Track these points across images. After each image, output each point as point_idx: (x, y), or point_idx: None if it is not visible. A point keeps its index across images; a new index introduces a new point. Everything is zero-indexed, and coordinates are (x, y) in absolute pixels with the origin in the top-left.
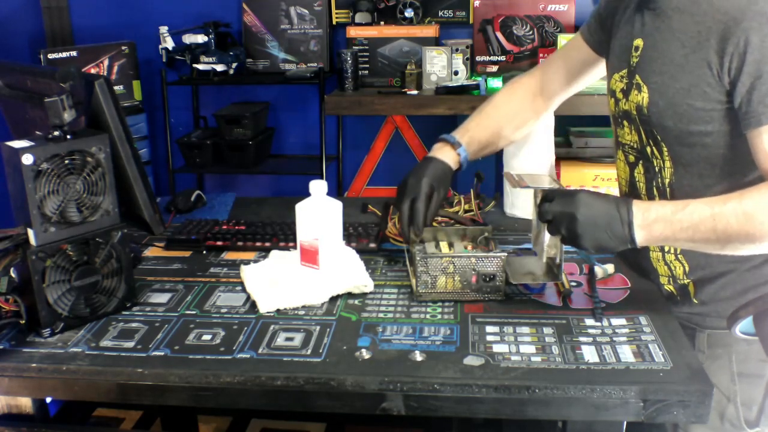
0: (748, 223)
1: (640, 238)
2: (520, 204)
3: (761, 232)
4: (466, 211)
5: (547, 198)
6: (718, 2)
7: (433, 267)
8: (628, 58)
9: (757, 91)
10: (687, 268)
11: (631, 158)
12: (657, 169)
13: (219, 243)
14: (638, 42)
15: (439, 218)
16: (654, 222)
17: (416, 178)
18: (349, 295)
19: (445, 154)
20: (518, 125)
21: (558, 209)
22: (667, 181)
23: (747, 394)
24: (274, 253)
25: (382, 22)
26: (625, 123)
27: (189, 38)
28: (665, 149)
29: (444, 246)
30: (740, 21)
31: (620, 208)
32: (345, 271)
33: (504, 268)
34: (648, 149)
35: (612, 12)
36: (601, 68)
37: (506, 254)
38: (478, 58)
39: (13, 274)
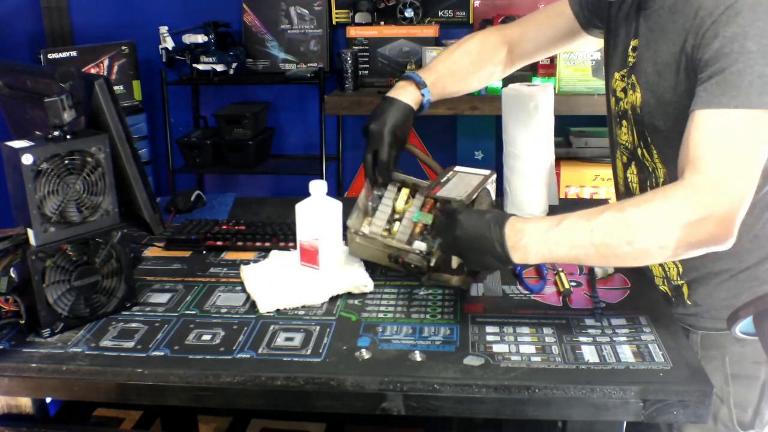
0: (629, 231)
1: (517, 258)
2: (520, 204)
3: (644, 241)
4: None
5: (439, 216)
6: (702, 0)
7: (367, 240)
8: (626, 58)
9: (704, 75)
10: (681, 269)
11: (625, 158)
12: (651, 170)
13: (219, 243)
14: (635, 42)
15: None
16: (528, 242)
17: (379, 126)
18: (349, 295)
19: (408, 94)
20: (484, 77)
21: (443, 230)
22: (661, 180)
23: (740, 395)
24: (274, 253)
25: (382, 22)
26: (624, 123)
27: (189, 38)
28: (655, 151)
29: (404, 194)
30: (712, 13)
31: (493, 230)
32: (345, 271)
33: (426, 261)
34: (639, 151)
35: (607, 2)
36: (580, 42)
37: (425, 252)
38: None
39: (13, 274)
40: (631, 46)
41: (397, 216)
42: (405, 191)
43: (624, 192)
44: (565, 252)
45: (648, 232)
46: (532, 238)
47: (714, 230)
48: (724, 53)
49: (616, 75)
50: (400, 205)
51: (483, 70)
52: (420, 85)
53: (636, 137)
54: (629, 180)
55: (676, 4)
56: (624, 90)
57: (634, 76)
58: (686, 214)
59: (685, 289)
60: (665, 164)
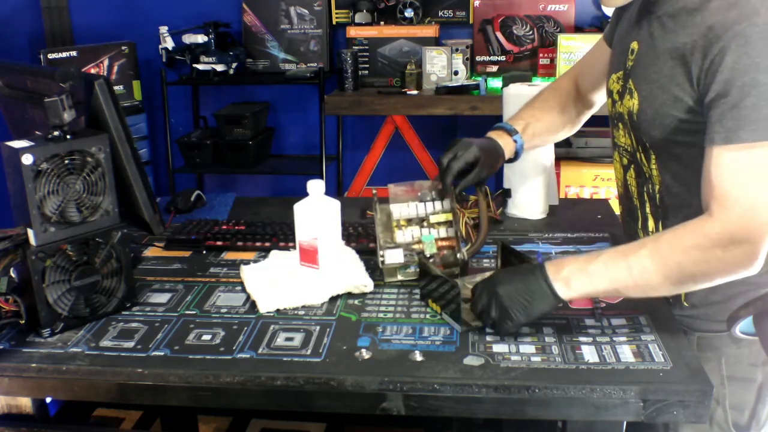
0: (665, 267)
1: (562, 292)
2: (520, 204)
3: (679, 275)
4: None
5: (473, 292)
6: (708, 17)
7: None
8: (625, 60)
9: (718, 109)
10: None
11: (625, 161)
12: (647, 176)
13: (219, 243)
14: (634, 45)
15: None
16: (569, 274)
17: (468, 142)
18: (349, 295)
19: (501, 139)
20: (566, 121)
21: (482, 296)
22: (657, 188)
23: (737, 397)
24: (274, 253)
25: (382, 22)
26: (620, 125)
27: (189, 38)
28: (653, 157)
29: (443, 217)
30: (720, 38)
31: (533, 270)
32: (345, 271)
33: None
34: (638, 155)
35: (624, 9)
36: None
37: (404, 263)
38: (478, 58)
39: (13, 274)
40: (630, 48)
41: (425, 224)
42: (446, 216)
43: (623, 194)
44: (605, 286)
45: (683, 267)
46: (572, 270)
47: (744, 260)
48: (736, 85)
49: (614, 76)
50: (432, 219)
51: (565, 114)
52: (510, 132)
53: (634, 142)
54: (629, 183)
55: (679, 14)
56: (620, 93)
57: (632, 81)
58: (718, 250)
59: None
60: (661, 173)
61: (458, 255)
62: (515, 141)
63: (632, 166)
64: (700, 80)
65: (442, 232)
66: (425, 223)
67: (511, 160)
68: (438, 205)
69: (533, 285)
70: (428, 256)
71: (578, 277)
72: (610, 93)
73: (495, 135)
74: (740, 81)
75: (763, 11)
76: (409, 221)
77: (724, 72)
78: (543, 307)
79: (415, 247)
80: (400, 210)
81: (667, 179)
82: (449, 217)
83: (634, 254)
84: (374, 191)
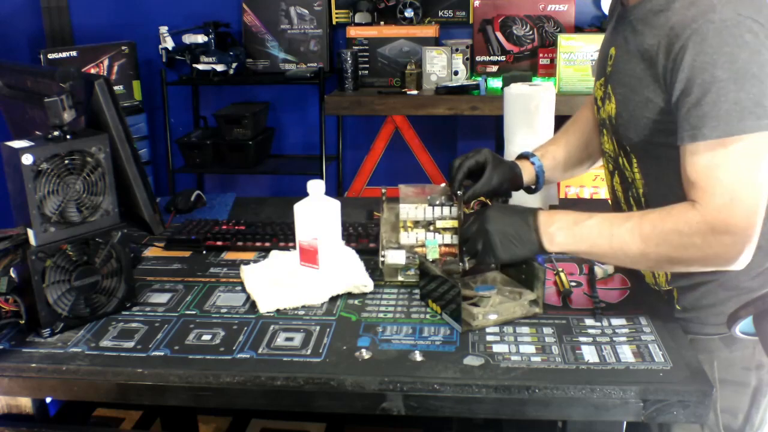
0: (645, 245)
1: (547, 245)
2: (520, 203)
3: (656, 254)
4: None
5: (464, 221)
6: (673, 17)
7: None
8: (605, 66)
9: (683, 108)
10: (669, 276)
11: (610, 167)
12: (630, 180)
13: (219, 243)
14: (612, 50)
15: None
16: (556, 231)
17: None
18: (349, 295)
19: (519, 162)
20: (591, 149)
21: (472, 227)
22: (640, 191)
23: (729, 401)
24: (274, 253)
25: (382, 22)
26: (604, 131)
27: (189, 38)
28: (634, 161)
29: (449, 224)
30: (680, 36)
31: (527, 217)
32: (345, 271)
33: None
34: (620, 160)
35: (611, 16)
36: None
37: (406, 264)
38: (478, 58)
39: (13, 274)
40: (609, 54)
41: (431, 228)
42: (453, 222)
43: (613, 200)
44: (585, 249)
45: (660, 248)
46: (561, 227)
47: (723, 251)
48: (696, 83)
49: (597, 83)
50: (439, 224)
51: (585, 138)
52: (528, 156)
53: (616, 146)
54: (615, 189)
55: (647, 16)
56: (602, 99)
57: (611, 86)
58: (697, 238)
59: (675, 294)
60: (644, 176)
61: (460, 264)
62: (533, 163)
63: (616, 171)
64: (666, 80)
65: (447, 238)
66: (431, 228)
67: (532, 190)
68: (446, 210)
69: (523, 232)
70: (430, 261)
71: (564, 235)
72: (594, 99)
73: (518, 161)
74: (699, 78)
75: (719, 7)
76: (416, 223)
77: (685, 70)
78: (526, 252)
79: (419, 250)
80: (407, 211)
81: (650, 182)
82: (456, 224)
83: (618, 226)
84: (383, 190)
